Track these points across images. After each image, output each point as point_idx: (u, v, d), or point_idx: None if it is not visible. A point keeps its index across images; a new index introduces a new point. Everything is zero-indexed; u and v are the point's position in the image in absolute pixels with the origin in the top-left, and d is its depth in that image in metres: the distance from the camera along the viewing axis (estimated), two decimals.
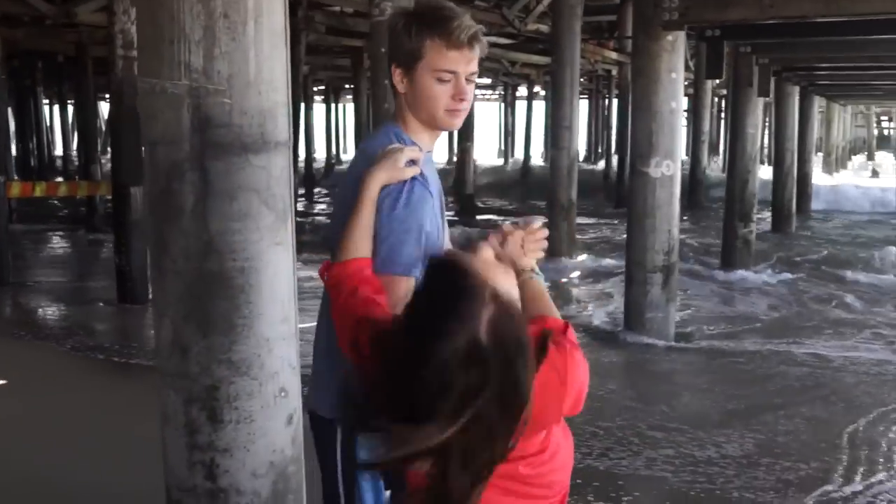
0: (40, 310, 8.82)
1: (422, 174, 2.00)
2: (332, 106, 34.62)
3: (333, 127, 34.31)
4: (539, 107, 34.48)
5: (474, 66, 2.04)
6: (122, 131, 8.03)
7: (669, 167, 7.10)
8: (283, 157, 2.75)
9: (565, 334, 1.60)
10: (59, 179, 19.84)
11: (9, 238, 9.98)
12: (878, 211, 20.21)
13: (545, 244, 1.87)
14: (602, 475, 4.54)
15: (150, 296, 8.36)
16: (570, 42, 12.15)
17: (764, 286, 10.43)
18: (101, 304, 8.70)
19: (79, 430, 4.66)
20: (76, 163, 21.83)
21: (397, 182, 1.98)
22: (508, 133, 35.93)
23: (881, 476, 4.64)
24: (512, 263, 1.75)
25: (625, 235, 7.32)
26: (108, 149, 18.50)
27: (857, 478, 4.61)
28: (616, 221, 16.41)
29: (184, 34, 2.53)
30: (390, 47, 2.11)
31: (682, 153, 8.23)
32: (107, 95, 23.99)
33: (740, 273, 11.05)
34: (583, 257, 12.42)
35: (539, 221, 1.87)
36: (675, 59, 7.16)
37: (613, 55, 19.50)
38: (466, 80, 2.03)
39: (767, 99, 13.48)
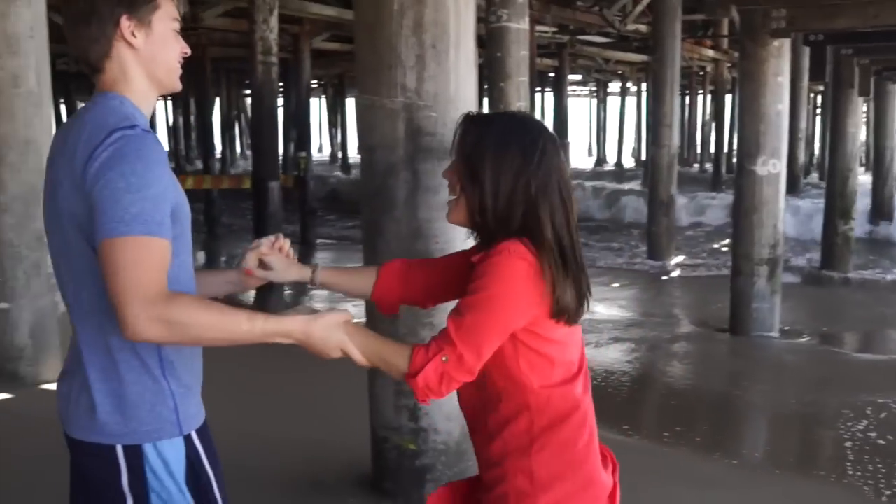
0: None
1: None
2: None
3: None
4: (631, 103, 34.63)
5: None
6: (263, 131, 8.72)
7: (776, 165, 7.50)
8: None
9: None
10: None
11: None
12: None
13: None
14: None
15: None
16: (671, 42, 12.53)
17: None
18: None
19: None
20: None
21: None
22: (601, 129, 36.15)
23: None
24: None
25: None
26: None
27: None
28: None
29: (400, 61, 3.14)
30: None
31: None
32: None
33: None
34: (680, 258, 12.82)
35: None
36: (781, 63, 7.53)
37: (710, 53, 19.69)
38: None
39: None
